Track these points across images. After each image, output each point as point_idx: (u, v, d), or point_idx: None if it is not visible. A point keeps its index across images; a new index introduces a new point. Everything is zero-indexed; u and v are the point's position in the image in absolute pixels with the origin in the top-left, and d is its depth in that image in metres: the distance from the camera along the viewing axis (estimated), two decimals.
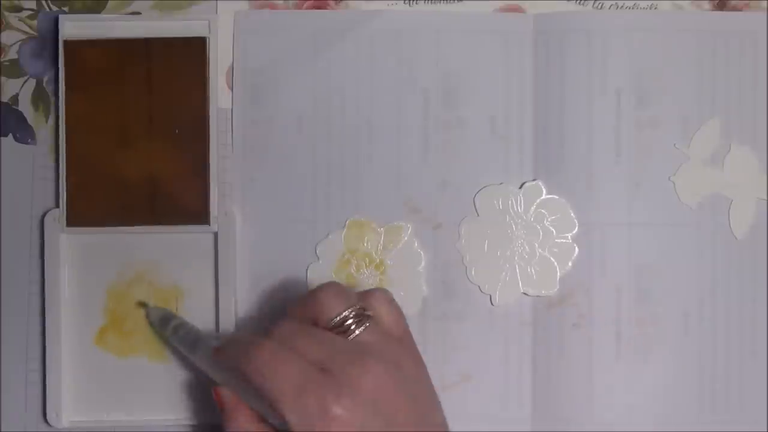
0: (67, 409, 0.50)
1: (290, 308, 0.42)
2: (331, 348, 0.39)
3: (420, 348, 0.48)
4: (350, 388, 0.37)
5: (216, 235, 0.50)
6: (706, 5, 0.51)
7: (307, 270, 0.50)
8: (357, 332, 0.40)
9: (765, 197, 0.50)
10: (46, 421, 0.50)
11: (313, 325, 0.41)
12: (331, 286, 0.41)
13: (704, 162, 0.51)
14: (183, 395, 0.50)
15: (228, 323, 0.50)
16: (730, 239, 0.50)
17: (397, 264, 0.51)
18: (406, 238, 0.51)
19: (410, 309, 0.50)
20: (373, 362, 0.38)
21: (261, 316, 0.50)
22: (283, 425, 0.38)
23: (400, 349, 0.41)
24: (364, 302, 0.41)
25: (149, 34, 0.50)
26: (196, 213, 0.50)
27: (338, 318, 0.40)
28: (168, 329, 0.48)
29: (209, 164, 0.50)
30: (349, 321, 0.40)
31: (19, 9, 0.52)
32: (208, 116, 0.50)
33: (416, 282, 0.50)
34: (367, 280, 0.50)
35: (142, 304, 0.50)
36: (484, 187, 0.51)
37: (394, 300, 0.42)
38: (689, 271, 0.50)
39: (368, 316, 0.41)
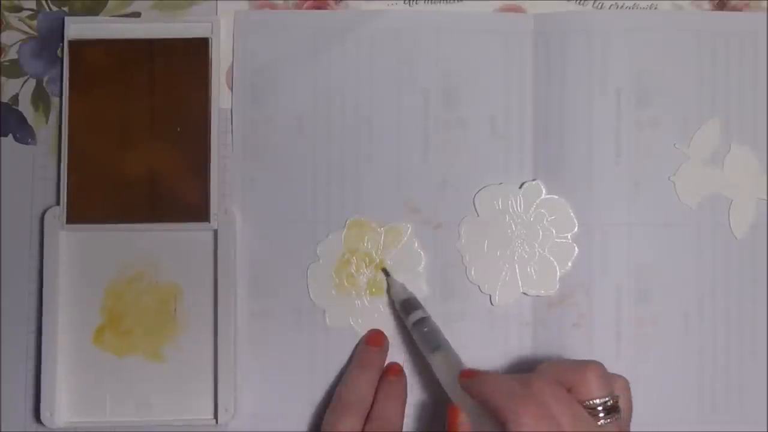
0: (62, 409, 0.50)
1: (550, 367, 0.43)
2: (582, 426, 0.40)
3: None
4: None
5: (216, 232, 0.50)
6: (706, 5, 0.51)
7: (307, 270, 0.50)
8: (606, 421, 0.41)
9: (765, 197, 0.50)
10: (39, 420, 0.49)
11: (571, 396, 0.41)
12: (599, 368, 0.42)
13: (704, 162, 0.51)
14: (181, 395, 0.50)
15: (227, 323, 0.49)
16: (730, 239, 0.50)
17: (397, 264, 0.51)
18: (406, 238, 0.51)
19: None
20: None
21: (261, 317, 0.50)
22: None
23: None
24: (613, 388, 0.42)
25: (153, 35, 0.51)
26: (196, 210, 0.50)
27: (593, 402, 0.41)
28: (409, 319, 0.48)
29: (210, 164, 0.50)
30: (600, 408, 0.41)
31: (19, 9, 0.52)
32: (210, 116, 0.50)
33: (416, 282, 0.50)
34: (367, 280, 0.51)
35: (386, 272, 0.50)
36: (484, 187, 0.51)
37: (629, 389, 0.43)
38: (689, 271, 0.50)
39: (617, 409, 0.41)
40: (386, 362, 0.50)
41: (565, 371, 0.42)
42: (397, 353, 0.50)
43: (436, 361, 0.46)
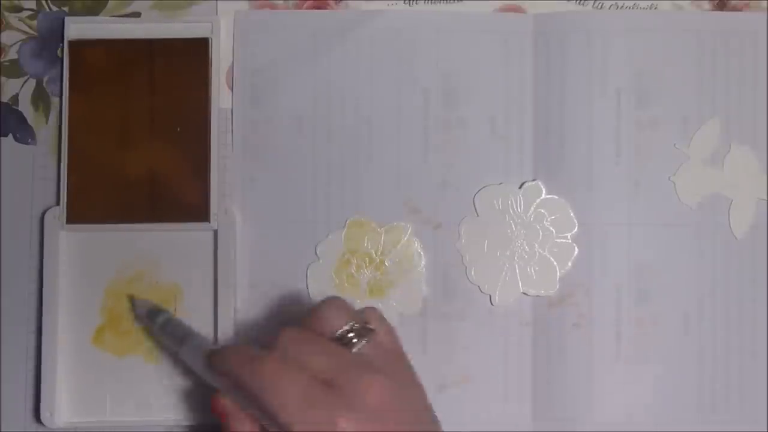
0: (62, 409, 0.50)
1: (293, 322, 0.42)
2: (335, 360, 0.39)
3: (420, 348, 0.48)
4: (356, 401, 0.37)
5: (216, 233, 0.50)
6: (706, 5, 0.51)
7: (307, 270, 0.50)
8: (359, 345, 0.40)
9: (765, 197, 0.50)
10: (39, 420, 0.49)
11: (317, 335, 0.41)
12: (334, 300, 0.42)
13: (704, 162, 0.51)
14: (180, 395, 0.50)
15: (227, 322, 0.50)
16: (730, 239, 0.50)
17: (397, 264, 0.51)
18: (406, 238, 0.51)
19: (410, 309, 0.50)
20: (377, 376, 0.38)
21: (260, 317, 0.50)
22: None
23: (398, 363, 0.41)
24: (362, 317, 0.41)
25: (153, 35, 0.51)
26: (196, 210, 0.50)
27: (340, 331, 0.40)
28: (156, 323, 0.48)
29: (210, 164, 0.50)
30: (351, 334, 0.40)
31: (19, 9, 0.52)
32: (210, 116, 0.50)
33: (416, 282, 0.50)
34: (367, 280, 0.51)
35: (130, 297, 0.50)
36: (484, 187, 0.51)
37: (386, 318, 0.43)
38: (689, 271, 0.50)
39: (370, 330, 0.41)
40: None
41: (306, 318, 0.41)
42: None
43: (189, 352, 0.45)
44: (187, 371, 0.48)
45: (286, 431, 0.37)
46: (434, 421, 0.41)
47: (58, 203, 0.50)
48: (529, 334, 0.50)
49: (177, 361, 0.48)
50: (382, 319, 0.42)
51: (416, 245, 0.51)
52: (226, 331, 0.50)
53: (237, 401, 0.41)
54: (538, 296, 0.50)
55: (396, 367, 0.41)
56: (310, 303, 0.50)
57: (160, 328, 0.48)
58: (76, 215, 0.50)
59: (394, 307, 0.50)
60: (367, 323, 0.41)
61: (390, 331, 0.42)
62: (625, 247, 0.50)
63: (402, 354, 0.42)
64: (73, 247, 0.50)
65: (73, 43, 0.51)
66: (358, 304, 0.50)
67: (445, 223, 0.51)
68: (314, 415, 0.37)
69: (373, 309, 0.43)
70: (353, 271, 0.50)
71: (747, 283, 0.50)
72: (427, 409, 0.41)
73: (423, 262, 0.51)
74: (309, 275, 0.50)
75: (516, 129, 0.51)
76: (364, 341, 0.40)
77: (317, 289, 0.50)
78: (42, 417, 0.49)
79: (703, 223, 0.50)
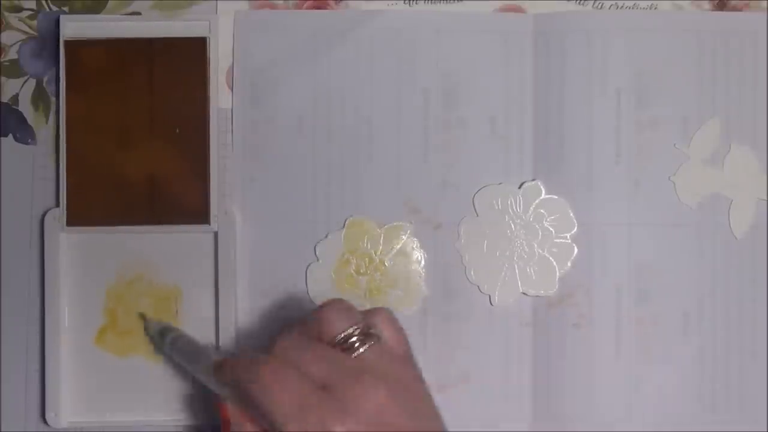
0: (66, 410, 0.50)
1: (295, 324, 0.42)
2: (334, 365, 0.39)
3: (420, 348, 0.48)
4: (352, 407, 0.37)
5: (216, 234, 0.50)
6: (706, 5, 0.51)
7: (307, 270, 0.50)
8: (361, 350, 0.39)
9: (765, 197, 0.50)
10: (45, 421, 0.50)
11: (317, 341, 0.40)
12: (336, 302, 0.41)
13: (704, 162, 0.51)
14: (183, 395, 0.50)
15: (228, 324, 0.50)
16: (730, 239, 0.50)
17: (397, 264, 0.51)
18: (406, 238, 0.51)
19: (410, 309, 0.50)
20: (375, 381, 0.38)
21: (261, 318, 0.50)
22: None
23: (403, 368, 0.41)
24: (367, 321, 0.41)
25: (150, 34, 0.51)
26: (197, 212, 0.50)
27: (342, 335, 0.40)
28: (166, 342, 0.48)
29: (209, 164, 0.50)
30: (353, 339, 0.40)
31: (19, 9, 0.52)
32: (209, 116, 0.50)
33: (416, 282, 0.50)
34: (366, 280, 0.51)
35: (142, 316, 0.50)
36: (483, 187, 0.51)
37: (396, 319, 0.42)
38: (689, 271, 0.50)
39: (372, 335, 0.40)
40: None
41: (307, 321, 0.41)
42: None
43: (200, 369, 0.45)
44: (195, 381, 0.48)
45: None
46: (441, 427, 0.41)
47: (58, 204, 0.50)
48: (529, 334, 0.50)
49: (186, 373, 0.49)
50: (390, 320, 0.41)
51: (416, 245, 0.51)
52: (227, 332, 0.50)
53: (242, 408, 0.41)
54: (537, 296, 0.50)
55: (400, 372, 0.40)
56: (310, 303, 0.50)
57: (169, 346, 0.48)
58: (76, 217, 0.50)
59: (393, 308, 0.50)
60: (371, 327, 0.41)
61: (398, 334, 0.41)
62: (625, 247, 0.50)
63: (408, 358, 0.41)
64: (74, 248, 0.50)
65: (69, 43, 0.50)
66: (359, 304, 0.50)
67: (445, 223, 0.51)
68: (309, 420, 0.37)
69: (381, 310, 0.42)
70: (353, 271, 0.50)
71: (747, 283, 0.50)
72: (432, 416, 0.41)
73: (423, 262, 0.51)
74: (309, 275, 0.50)
75: (516, 129, 0.51)
76: (365, 346, 0.39)
77: (317, 289, 0.50)
78: (47, 417, 0.49)
79: (703, 223, 0.50)
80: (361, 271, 0.51)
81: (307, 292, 0.50)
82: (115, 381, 0.50)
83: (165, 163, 0.50)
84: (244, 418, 0.40)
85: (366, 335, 0.40)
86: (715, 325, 0.50)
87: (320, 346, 0.40)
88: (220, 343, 0.49)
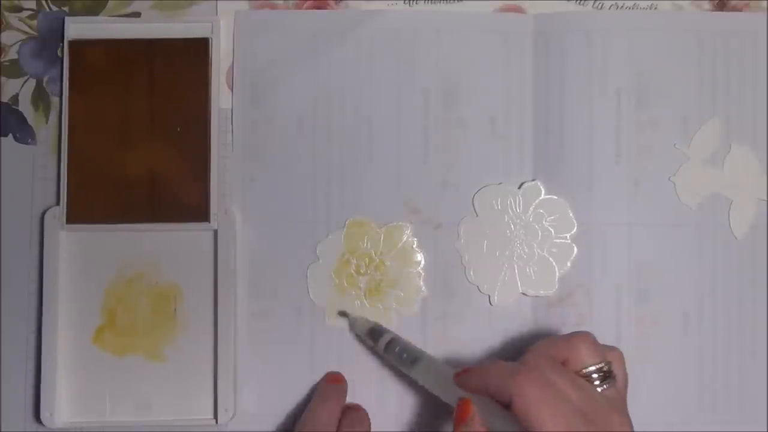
0: (62, 409, 0.50)
1: (542, 344, 0.43)
2: (590, 396, 0.40)
3: (420, 348, 0.48)
4: None
5: (216, 233, 0.50)
6: (706, 5, 0.51)
7: (307, 270, 0.50)
8: (603, 387, 0.41)
9: (765, 197, 0.50)
10: (39, 420, 0.49)
11: (566, 367, 0.41)
12: (589, 337, 0.42)
13: (704, 162, 0.51)
14: (181, 395, 0.50)
15: (227, 323, 0.50)
16: (730, 239, 0.50)
17: (397, 264, 0.51)
18: (406, 238, 0.51)
19: (410, 309, 0.50)
20: (626, 419, 0.40)
21: (260, 318, 0.50)
22: None
23: (625, 412, 0.42)
24: (607, 359, 0.42)
25: (153, 35, 0.51)
26: (196, 210, 0.50)
27: (588, 369, 0.41)
28: (380, 344, 0.48)
29: (210, 164, 0.50)
30: (595, 375, 0.41)
31: (19, 9, 0.52)
32: (209, 116, 0.50)
33: (416, 282, 0.50)
34: (366, 280, 0.51)
35: (344, 314, 0.50)
36: (483, 187, 0.51)
37: (624, 361, 0.43)
38: (689, 271, 0.50)
39: (613, 375, 0.42)
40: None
41: (556, 345, 0.42)
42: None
43: (421, 372, 0.46)
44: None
45: None
46: None
47: (58, 203, 0.50)
48: (529, 334, 0.50)
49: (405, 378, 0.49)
50: (622, 363, 0.43)
51: (416, 245, 0.51)
52: (226, 331, 0.50)
53: (483, 414, 0.41)
54: (537, 296, 0.50)
55: (625, 415, 0.42)
56: (311, 303, 0.50)
57: (385, 349, 0.48)
58: (76, 215, 0.50)
59: (393, 308, 0.50)
60: (610, 363, 0.42)
61: (625, 379, 0.43)
62: (625, 247, 0.50)
63: (626, 403, 0.43)
64: (73, 247, 0.50)
65: (73, 43, 0.51)
66: (358, 304, 0.50)
67: (445, 223, 0.51)
68: None
69: (616, 351, 0.43)
70: (353, 271, 0.50)
71: (747, 283, 0.50)
72: None
73: (422, 263, 0.51)
74: (309, 275, 0.50)
75: (516, 129, 0.51)
76: (606, 384, 0.41)
77: (317, 289, 0.50)
78: (42, 417, 0.49)
79: (703, 223, 0.50)
80: (361, 271, 0.51)
81: (307, 292, 0.50)
82: (112, 381, 0.50)
83: (165, 162, 0.50)
84: (481, 426, 0.41)
85: (608, 374, 0.42)
86: (715, 325, 0.50)
87: (575, 376, 0.41)
88: (218, 345, 0.49)
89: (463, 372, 0.43)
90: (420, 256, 0.51)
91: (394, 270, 0.50)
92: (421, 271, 0.51)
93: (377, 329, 0.49)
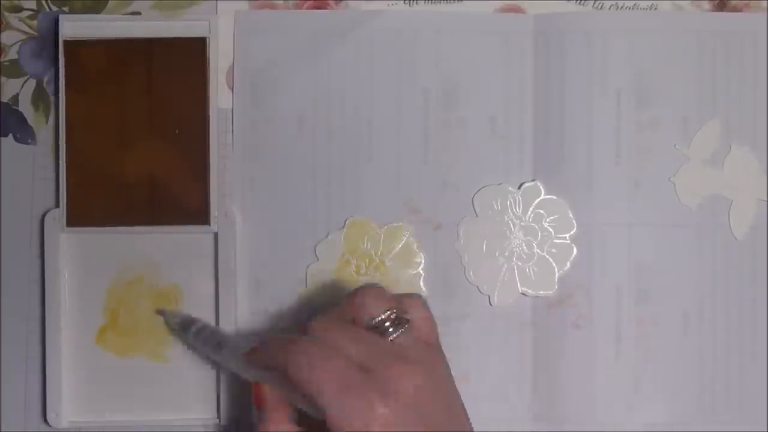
0: (67, 409, 0.50)
1: (329, 309, 0.42)
2: (371, 348, 0.39)
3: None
4: (392, 389, 0.37)
5: (216, 235, 0.50)
6: (706, 5, 0.51)
7: (307, 270, 0.50)
8: (395, 335, 0.40)
9: (765, 198, 0.50)
10: (46, 421, 0.50)
11: (352, 324, 0.41)
12: (371, 288, 0.41)
13: (704, 162, 0.51)
14: (183, 395, 0.50)
15: (228, 324, 0.50)
16: (730, 239, 0.50)
17: (397, 264, 0.51)
18: (406, 238, 0.51)
19: None
20: (412, 365, 0.38)
21: (261, 318, 0.50)
22: (322, 417, 0.38)
23: (432, 354, 0.41)
24: (401, 305, 0.41)
25: (150, 34, 0.50)
26: (197, 213, 0.50)
27: (377, 320, 0.40)
28: (190, 333, 0.48)
29: (209, 164, 0.50)
30: (387, 323, 0.40)
31: (19, 9, 0.52)
32: (209, 116, 0.50)
33: (416, 282, 0.50)
34: (366, 281, 0.51)
35: (160, 312, 0.50)
36: (483, 187, 0.51)
37: (428, 307, 0.42)
38: (689, 271, 0.50)
39: (405, 320, 0.40)
40: None
41: (341, 304, 0.41)
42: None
43: (225, 357, 0.45)
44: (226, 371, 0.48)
45: (322, 412, 0.37)
46: (466, 414, 0.41)
47: (57, 204, 0.50)
48: (528, 334, 0.50)
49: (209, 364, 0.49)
50: (422, 307, 0.42)
51: (416, 245, 0.51)
52: (228, 332, 0.50)
53: (279, 392, 0.40)
54: (537, 297, 0.50)
55: (430, 359, 0.40)
56: (311, 303, 0.50)
57: (194, 336, 0.48)
58: (76, 218, 0.50)
59: None
60: (405, 312, 0.41)
61: (428, 321, 0.42)
62: (625, 248, 0.50)
63: (437, 347, 0.42)
64: (74, 249, 0.50)
65: (69, 43, 0.50)
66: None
67: (445, 223, 0.51)
68: (351, 398, 0.37)
69: (414, 296, 0.42)
70: (353, 272, 0.50)
71: (747, 284, 0.50)
72: (460, 405, 0.41)
73: (423, 263, 0.51)
74: (309, 275, 0.50)
75: (516, 129, 0.51)
76: (399, 331, 0.40)
77: (317, 289, 0.50)
78: (48, 417, 0.50)
79: (703, 223, 0.50)
80: (361, 271, 0.51)
81: (307, 292, 0.50)
82: (115, 381, 0.50)
83: (165, 163, 0.50)
84: (280, 404, 0.40)
85: (399, 320, 0.40)
86: (715, 326, 0.50)
87: (356, 329, 0.40)
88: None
89: (251, 350, 0.42)
90: (420, 257, 0.51)
91: (394, 270, 0.51)
92: (421, 272, 0.51)
93: (188, 320, 0.49)
